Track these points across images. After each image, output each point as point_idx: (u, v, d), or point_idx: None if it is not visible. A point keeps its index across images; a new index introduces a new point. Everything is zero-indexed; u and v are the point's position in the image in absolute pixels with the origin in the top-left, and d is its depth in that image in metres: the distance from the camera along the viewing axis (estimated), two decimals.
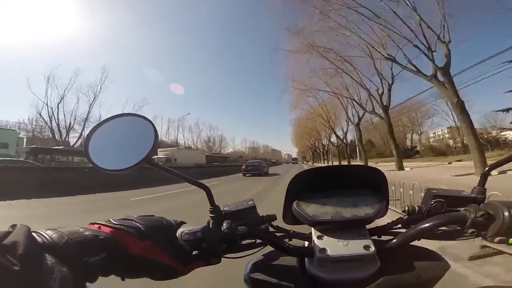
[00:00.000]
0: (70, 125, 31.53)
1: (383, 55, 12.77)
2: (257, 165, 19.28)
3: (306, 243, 0.53)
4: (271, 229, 0.52)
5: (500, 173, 8.59)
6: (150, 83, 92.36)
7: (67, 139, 31.48)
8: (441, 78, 9.91)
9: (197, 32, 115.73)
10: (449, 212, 0.47)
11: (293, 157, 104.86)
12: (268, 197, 7.20)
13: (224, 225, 0.46)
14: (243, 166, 19.64)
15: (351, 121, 23.78)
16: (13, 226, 0.30)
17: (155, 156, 15.79)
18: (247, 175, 18.35)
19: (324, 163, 50.49)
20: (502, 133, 27.17)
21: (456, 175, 9.72)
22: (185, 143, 56.52)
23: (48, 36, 56.07)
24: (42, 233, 0.32)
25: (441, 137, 45.03)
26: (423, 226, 0.45)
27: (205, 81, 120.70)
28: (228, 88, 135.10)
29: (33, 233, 0.31)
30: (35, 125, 31.74)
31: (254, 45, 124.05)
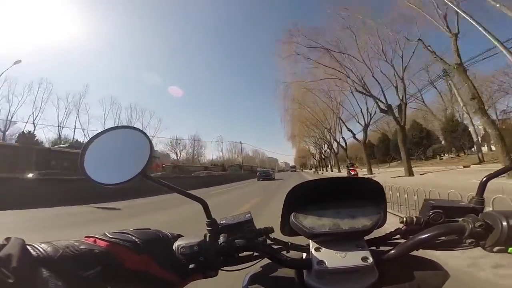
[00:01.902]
0: None
1: None
2: (267, 172, 29.02)
3: (304, 255, 0.53)
4: (268, 241, 0.51)
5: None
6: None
7: None
8: None
9: (188, 32, 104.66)
10: (448, 222, 0.46)
11: (291, 165, 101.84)
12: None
13: (221, 238, 0.46)
14: (257, 173, 29.19)
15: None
16: (7, 239, 0.30)
17: None
18: (260, 179, 26.26)
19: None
20: None
21: None
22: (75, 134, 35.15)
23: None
24: (37, 246, 0.32)
25: None
26: (422, 236, 0.44)
27: (192, 80, 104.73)
28: (219, 90, 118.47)
29: (27, 246, 0.31)
30: None
31: (248, 46, 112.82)
